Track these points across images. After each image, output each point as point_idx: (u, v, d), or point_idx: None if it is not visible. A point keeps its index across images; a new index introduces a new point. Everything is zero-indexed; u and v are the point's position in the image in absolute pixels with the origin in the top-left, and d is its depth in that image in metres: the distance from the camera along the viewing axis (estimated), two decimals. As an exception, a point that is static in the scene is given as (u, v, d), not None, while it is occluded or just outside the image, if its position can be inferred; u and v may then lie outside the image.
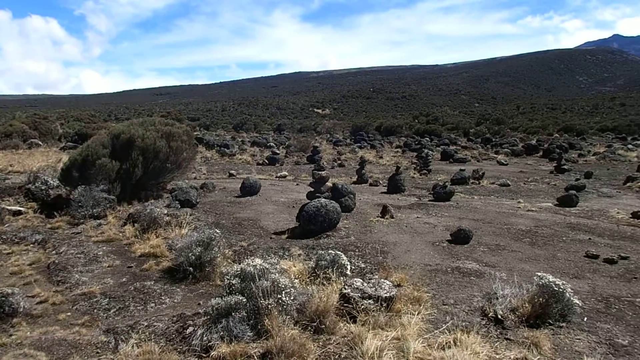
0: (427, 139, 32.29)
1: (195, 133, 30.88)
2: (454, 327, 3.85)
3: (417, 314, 4.09)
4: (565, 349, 3.59)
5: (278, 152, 21.48)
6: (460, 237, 6.63)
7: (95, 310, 4.47)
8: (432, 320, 4.07)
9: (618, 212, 9.06)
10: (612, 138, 34.75)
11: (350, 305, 4.12)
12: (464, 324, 3.95)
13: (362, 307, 4.06)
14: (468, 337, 3.60)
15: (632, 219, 8.46)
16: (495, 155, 23.03)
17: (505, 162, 20.10)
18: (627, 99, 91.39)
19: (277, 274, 4.24)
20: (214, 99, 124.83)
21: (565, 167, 16.67)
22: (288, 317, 3.87)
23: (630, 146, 26.72)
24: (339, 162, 19.28)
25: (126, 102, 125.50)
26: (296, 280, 4.65)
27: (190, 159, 10.89)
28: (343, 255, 5.30)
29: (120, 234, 6.96)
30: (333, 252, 5.30)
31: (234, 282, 4.19)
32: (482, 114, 70.09)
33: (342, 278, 4.96)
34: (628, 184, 12.90)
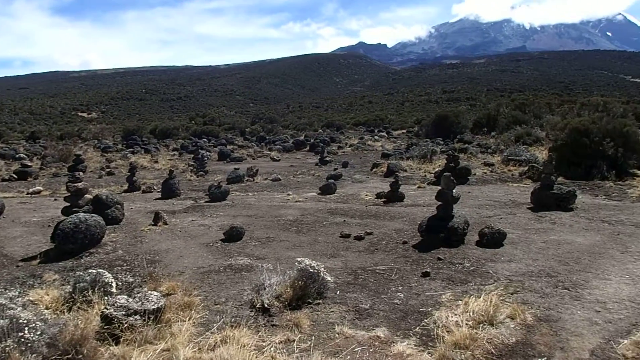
0: (205, 140, 32.22)
1: None
2: (224, 325, 3.92)
3: (188, 320, 4.03)
4: (321, 322, 4.02)
5: (30, 164, 18.46)
6: (233, 235, 6.80)
7: None
8: (204, 322, 4.07)
9: (366, 195, 10.61)
10: (364, 131, 40.54)
11: (114, 326, 3.81)
12: (234, 319, 4.06)
13: (127, 324, 3.80)
14: (237, 331, 3.72)
15: (376, 199, 10.03)
16: (269, 152, 24.39)
17: (277, 158, 21.47)
18: (373, 97, 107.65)
19: (19, 309, 3.65)
20: None
21: (327, 159, 18.71)
22: (34, 355, 3.36)
23: (376, 137, 31.63)
24: (108, 170, 17.70)
25: None
26: (47, 311, 4.09)
27: None
28: (107, 273, 4.86)
29: None
30: (95, 270, 4.82)
31: (-45, 331, 3.43)
32: (256, 114, 73.45)
33: (106, 298, 4.55)
34: (374, 170, 15.26)
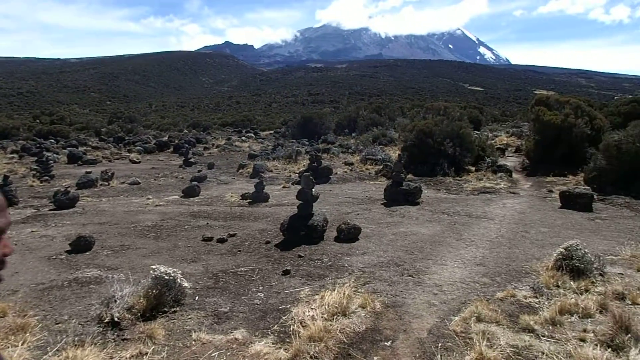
0: (52, 140, 28.88)
1: None
2: (66, 345, 3.56)
3: (22, 344, 3.58)
4: (177, 331, 3.87)
5: None
6: (80, 245, 6.21)
7: None
8: (42, 345, 3.64)
9: (231, 196, 10.49)
10: (231, 131, 40.03)
11: None
12: (78, 338, 3.70)
13: (-61, 359, 3.24)
14: (81, 351, 3.40)
15: (241, 200, 9.97)
16: (128, 154, 22.74)
17: (138, 160, 20.13)
18: (241, 97, 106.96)
19: None
20: None
21: (192, 160, 18.07)
22: None
23: (244, 138, 31.46)
24: None
25: None
26: None
27: None
28: None
29: None
30: None
31: None
32: (114, 112, 67.98)
33: None
34: (240, 171, 15.16)
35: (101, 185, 12.76)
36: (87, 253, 6.15)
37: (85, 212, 9.05)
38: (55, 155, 20.19)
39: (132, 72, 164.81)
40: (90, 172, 13.32)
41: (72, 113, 63.01)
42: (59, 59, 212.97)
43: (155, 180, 14.06)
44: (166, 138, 29.69)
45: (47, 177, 14.05)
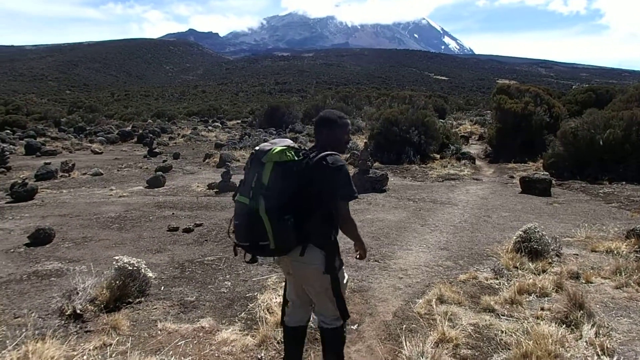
0: (8, 131, 27.68)
1: None
2: (26, 339, 3.46)
3: (-21, 339, 3.47)
4: (142, 321, 3.82)
5: None
6: (40, 238, 6.02)
7: None
8: (0, 340, 3.53)
9: (198, 186, 10.36)
10: (197, 121, 39.32)
11: None
12: (38, 332, 3.61)
13: None
14: (41, 344, 3.31)
15: (207, 190, 9.86)
16: (90, 145, 22.06)
17: (100, 151, 19.57)
18: (207, 86, 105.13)
19: None
20: None
21: (157, 150, 17.71)
22: None
23: (210, 127, 31.01)
24: None
25: None
26: None
27: None
28: None
29: None
30: None
31: None
32: (74, 102, 65.64)
33: None
34: (206, 160, 14.97)
35: (61, 176, 12.36)
36: (47, 246, 5.97)
37: (45, 204, 8.76)
38: (11, 146, 19.37)
39: (92, 60, 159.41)
40: (49, 163, 12.89)
41: (29, 102, 60.42)
42: (13, 46, 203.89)
43: (118, 170, 13.72)
44: (129, 128, 28.97)
45: (3, 169, 13.50)
